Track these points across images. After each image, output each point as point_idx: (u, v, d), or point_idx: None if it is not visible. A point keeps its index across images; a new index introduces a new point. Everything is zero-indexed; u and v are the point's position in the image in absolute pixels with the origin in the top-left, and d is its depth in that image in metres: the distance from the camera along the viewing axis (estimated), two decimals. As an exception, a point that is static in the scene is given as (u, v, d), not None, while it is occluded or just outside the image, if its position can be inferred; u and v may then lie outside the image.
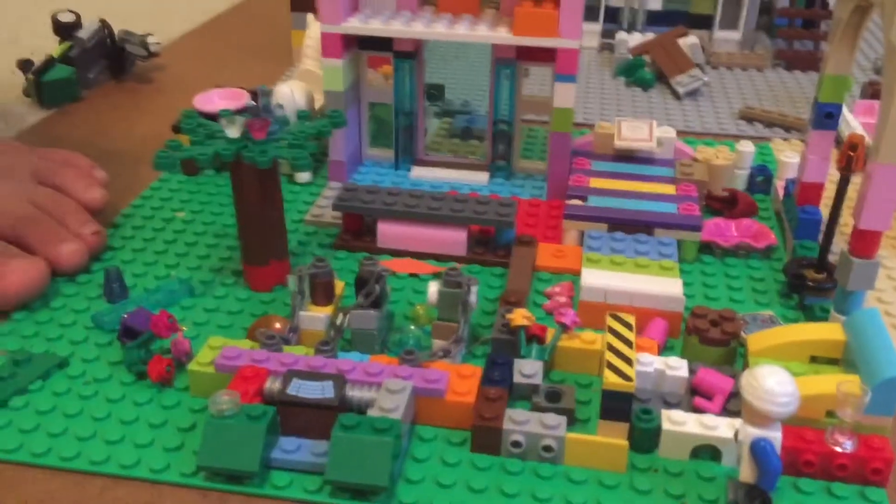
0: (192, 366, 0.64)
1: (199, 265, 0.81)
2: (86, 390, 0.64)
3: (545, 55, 0.87)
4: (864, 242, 0.67)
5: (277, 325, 0.69)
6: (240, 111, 0.76)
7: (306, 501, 0.56)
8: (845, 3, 0.73)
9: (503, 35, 0.86)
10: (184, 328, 0.69)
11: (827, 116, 0.79)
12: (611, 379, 0.59)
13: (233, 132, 0.72)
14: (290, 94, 0.93)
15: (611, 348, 0.61)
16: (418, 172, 0.96)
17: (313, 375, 0.60)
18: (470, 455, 0.60)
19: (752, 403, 0.51)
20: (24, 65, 1.16)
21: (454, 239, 0.81)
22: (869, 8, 0.71)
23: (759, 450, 0.52)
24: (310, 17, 1.10)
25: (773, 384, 0.51)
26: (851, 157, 0.69)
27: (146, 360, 0.65)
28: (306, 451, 0.58)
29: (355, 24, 0.88)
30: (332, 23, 0.88)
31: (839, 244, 0.78)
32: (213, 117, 0.77)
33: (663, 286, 0.72)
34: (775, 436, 0.52)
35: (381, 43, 0.91)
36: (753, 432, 0.52)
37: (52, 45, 1.19)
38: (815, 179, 0.82)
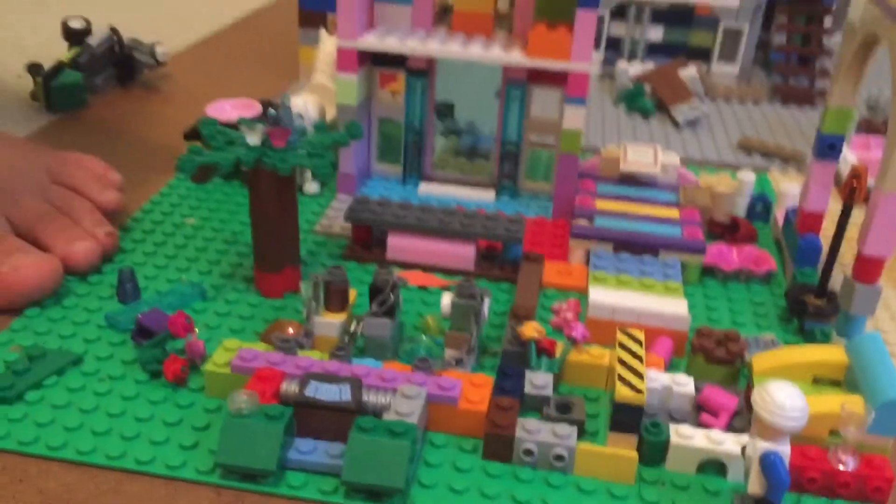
0: (208, 366, 0.64)
1: (209, 270, 0.81)
2: (101, 387, 0.65)
3: (555, 78, 0.90)
4: (867, 268, 0.69)
5: (291, 330, 0.70)
6: (258, 119, 0.77)
7: (321, 502, 0.57)
8: (853, 36, 0.76)
9: (517, 57, 0.88)
10: (197, 330, 0.69)
11: (830, 147, 0.81)
12: (623, 392, 0.60)
13: (253, 139, 0.74)
14: (303, 107, 0.95)
15: (622, 362, 0.63)
16: (426, 188, 0.97)
17: (331, 378, 0.60)
18: (481, 462, 0.61)
19: (764, 417, 0.53)
20: (33, 69, 1.16)
21: (463, 253, 0.83)
22: (875, 42, 0.74)
23: (768, 463, 0.53)
24: (322, 32, 1.12)
25: (785, 398, 0.52)
26: (855, 187, 0.71)
27: (162, 359, 0.66)
28: (322, 452, 0.59)
29: (372, 41, 0.90)
30: (350, 38, 0.89)
31: (836, 273, 0.80)
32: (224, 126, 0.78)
33: (669, 305, 0.74)
34: (784, 450, 0.54)
35: (395, 60, 0.93)
36: (764, 446, 0.54)
37: (60, 51, 1.20)
38: (817, 208, 0.84)
